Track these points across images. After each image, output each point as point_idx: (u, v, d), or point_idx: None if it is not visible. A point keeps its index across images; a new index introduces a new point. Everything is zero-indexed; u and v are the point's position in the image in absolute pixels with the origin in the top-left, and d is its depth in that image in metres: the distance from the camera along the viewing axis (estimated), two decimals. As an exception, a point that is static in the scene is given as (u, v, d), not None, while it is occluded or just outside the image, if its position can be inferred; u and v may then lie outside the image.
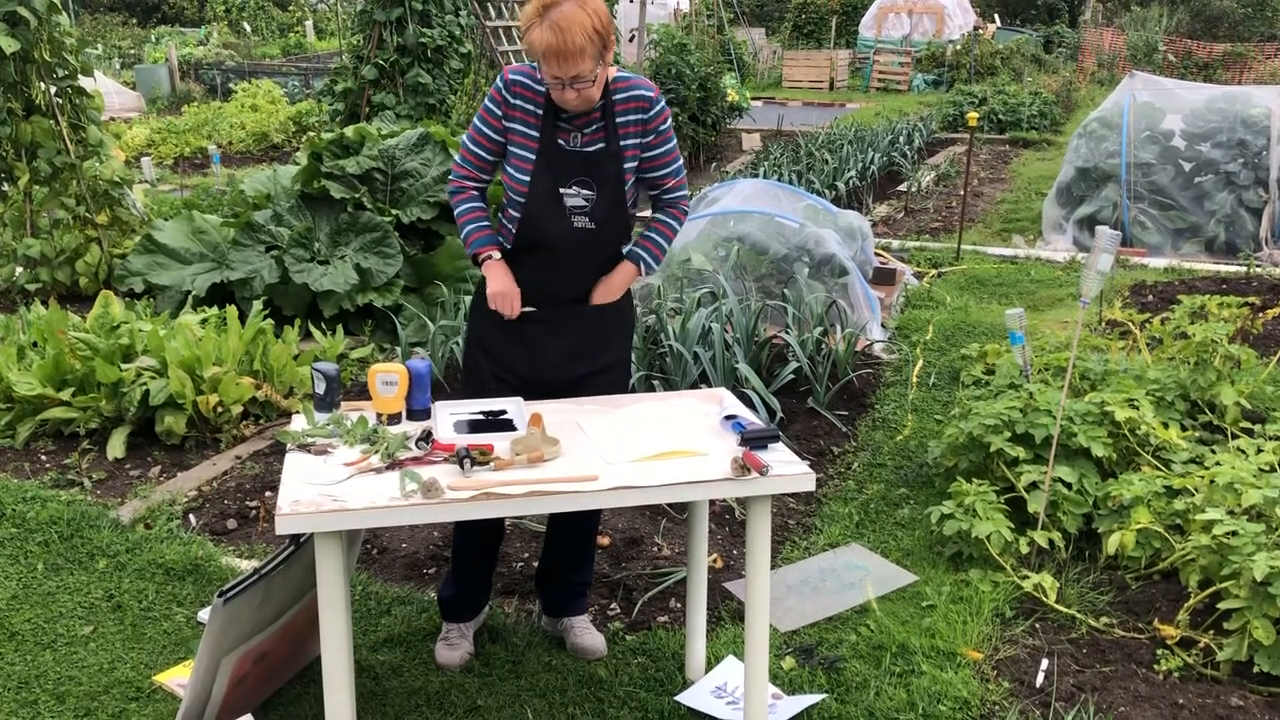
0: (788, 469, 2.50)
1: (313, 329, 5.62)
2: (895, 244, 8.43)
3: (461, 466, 2.42)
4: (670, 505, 4.04)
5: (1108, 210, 8.25)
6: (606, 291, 2.83)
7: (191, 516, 4.04)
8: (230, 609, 2.52)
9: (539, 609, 3.35)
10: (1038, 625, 3.32)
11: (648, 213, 3.00)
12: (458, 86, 10.33)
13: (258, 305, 5.29)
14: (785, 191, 7.11)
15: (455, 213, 2.84)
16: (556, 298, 2.84)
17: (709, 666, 3.09)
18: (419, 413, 2.75)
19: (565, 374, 2.84)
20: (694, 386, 4.89)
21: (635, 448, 2.59)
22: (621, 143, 2.77)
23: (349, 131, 6.72)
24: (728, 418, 2.76)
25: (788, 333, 5.39)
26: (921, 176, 11.04)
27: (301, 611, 2.84)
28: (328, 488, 2.36)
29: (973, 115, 8.07)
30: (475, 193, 2.87)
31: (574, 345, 2.87)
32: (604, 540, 3.83)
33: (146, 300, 5.92)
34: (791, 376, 5.09)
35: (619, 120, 2.77)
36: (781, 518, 4.06)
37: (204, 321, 5.27)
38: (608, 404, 2.87)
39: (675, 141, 2.88)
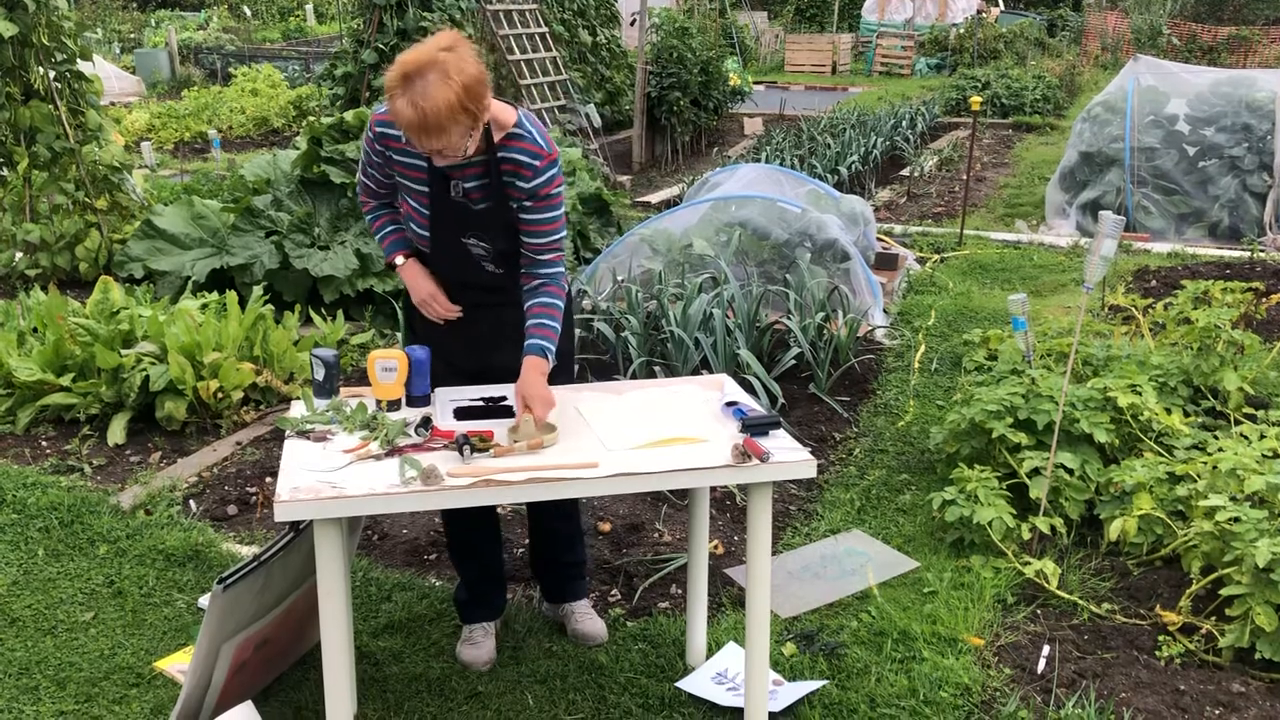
0: (789, 455, 2.50)
1: (313, 314, 5.61)
2: (898, 229, 8.40)
3: (461, 453, 2.42)
4: (671, 492, 4.03)
5: (1111, 195, 8.21)
6: (542, 400, 2.56)
7: (192, 502, 4.04)
8: (230, 595, 2.51)
9: (539, 595, 3.35)
10: (1039, 611, 3.32)
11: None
12: (458, 71, 10.28)
13: (258, 291, 5.28)
14: (787, 176, 7.09)
15: (367, 223, 2.84)
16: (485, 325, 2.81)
17: (710, 653, 3.09)
18: (419, 399, 2.74)
19: (512, 360, 2.77)
20: (695, 373, 4.88)
21: (636, 434, 2.59)
22: (508, 196, 2.67)
23: (349, 116, 6.68)
24: (729, 404, 2.76)
25: (789, 318, 5.38)
26: (924, 161, 11.00)
27: (302, 598, 2.84)
28: (327, 474, 2.35)
29: (976, 99, 8.03)
30: (380, 203, 2.84)
31: (508, 328, 2.80)
32: (605, 526, 3.83)
33: (146, 286, 5.91)
34: (793, 362, 5.08)
35: (504, 178, 2.65)
36: (783, 504, 4.06)
37: (204, 307, 5.26)
38: (608, 390, 2.86)
39: (561, 212, 2.70)
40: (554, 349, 2.69)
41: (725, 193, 6.75)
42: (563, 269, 2.78)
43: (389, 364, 2.68)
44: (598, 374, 5.01)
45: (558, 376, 2.84)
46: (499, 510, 3.42)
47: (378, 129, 2.68)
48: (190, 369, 4.60)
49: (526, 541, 3.71)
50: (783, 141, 11.14)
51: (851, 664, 3.04)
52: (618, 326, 5.23)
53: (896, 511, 3.99)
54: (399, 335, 5.49)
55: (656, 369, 4.94)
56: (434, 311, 2.77)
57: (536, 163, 2.65)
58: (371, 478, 2.35)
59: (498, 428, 2.57)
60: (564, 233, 2.76)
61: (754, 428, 2.59)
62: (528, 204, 2.69)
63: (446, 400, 2.74)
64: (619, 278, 5.72)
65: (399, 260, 2.82)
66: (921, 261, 7.50)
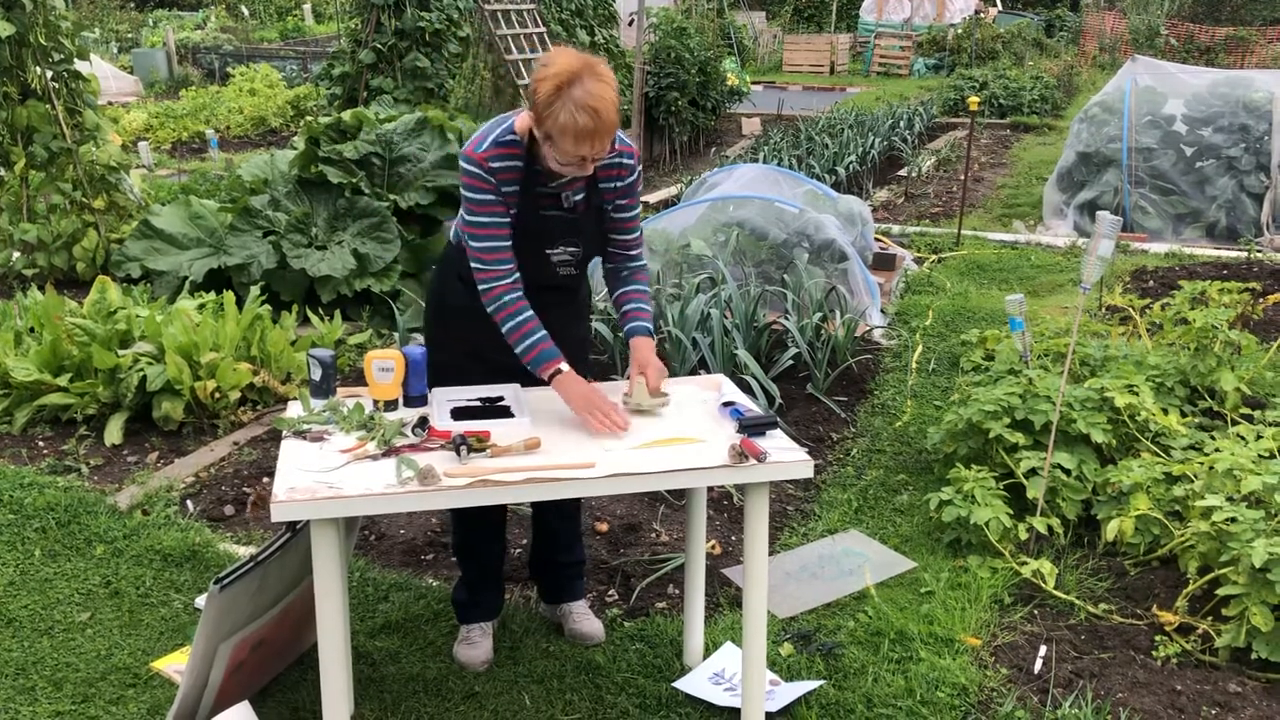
0: (786, 456, 2.50)
1: (310, 314, 5.61)
2: (895, 229, 8.41)
3: (458, 453, 2.42)
4: (669, 492, 4.03)
5: (1109, 195, 8.22)
6: (657, 369, 2.76)
7: (189, 503, 4.03)
8: (227, 596, 2.51)
9: (537, 595, 3.35)
10: (1036, 612, 3.33)
11: None
12: (456, 70, 10.28)
13: (255, 291, 5.28)
14: (785, 176, 7.09)
15: (506, 328, 2.69)
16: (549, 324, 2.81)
17: (707, 653, 3.09)
18: (416, 399, 2.74)
19: (563, 346, 2.81)
20: (693, 373, 4.88)
21: (633, 434, 2.59)
22: (604, 200, 2.79)
23: (346, 116, 6.68)
24: (726, 404, 2.76)
25: (787, 318, 5.38)
26: (922, 161, 11.00)
27: (298, 598, 2.84)
28: (324, 475, 2.35)
29: (974, 100, 8.04)
30: (514, 294, 2.68)
31: (563, 324, 2.84)
32: (602, 526, 3.83)
33: (144, 286, 5.91)
34: (791, 362, 5.08)
35: (601, 186, 2.76)
36: (780, 504, 4.06)
37: (201, 307, 5.26)
38: (605, 390, 2.86)
39: (640, 205, 2.87)
40: (653, 329, 2.85)
41: (723, 193, 6.75)
42: (646, 259, 2.94)
43: (386, 364, 2.68)
44: (595, 374, 5.00)
45: (579, 365, 2.91)
46: (509, 509, 3.43)
47: (493, 164, 2.62)
48: (187, 369, 4.60)
49: (525, 542, 3.72)
50: (780, 142, 11.15)
51: (849, 664, 3.04)
52: (615, 327, 5.23)
53: (894, 512, 3.99)
54: (396, 335, 5.49)
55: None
56: (606, 424, 2.58)
57: (630, 161, 2.77)
58: (368, 478, 2.35)
59: (495, 428, 2.57)
60: (642, 224, 2.92)
61: (751, 428, 2.59)
62: (622, 202, 2.80)
63: (444, 400, 2.75)
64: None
65: (564, 367, 2.68)
66: (919, 262, 7.51)
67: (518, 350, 2.70)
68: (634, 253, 2.89)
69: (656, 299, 5.36)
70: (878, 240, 7.43)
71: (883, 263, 7.00)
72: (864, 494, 4.12)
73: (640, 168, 2.83)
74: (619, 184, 2.77)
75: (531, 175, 2.67)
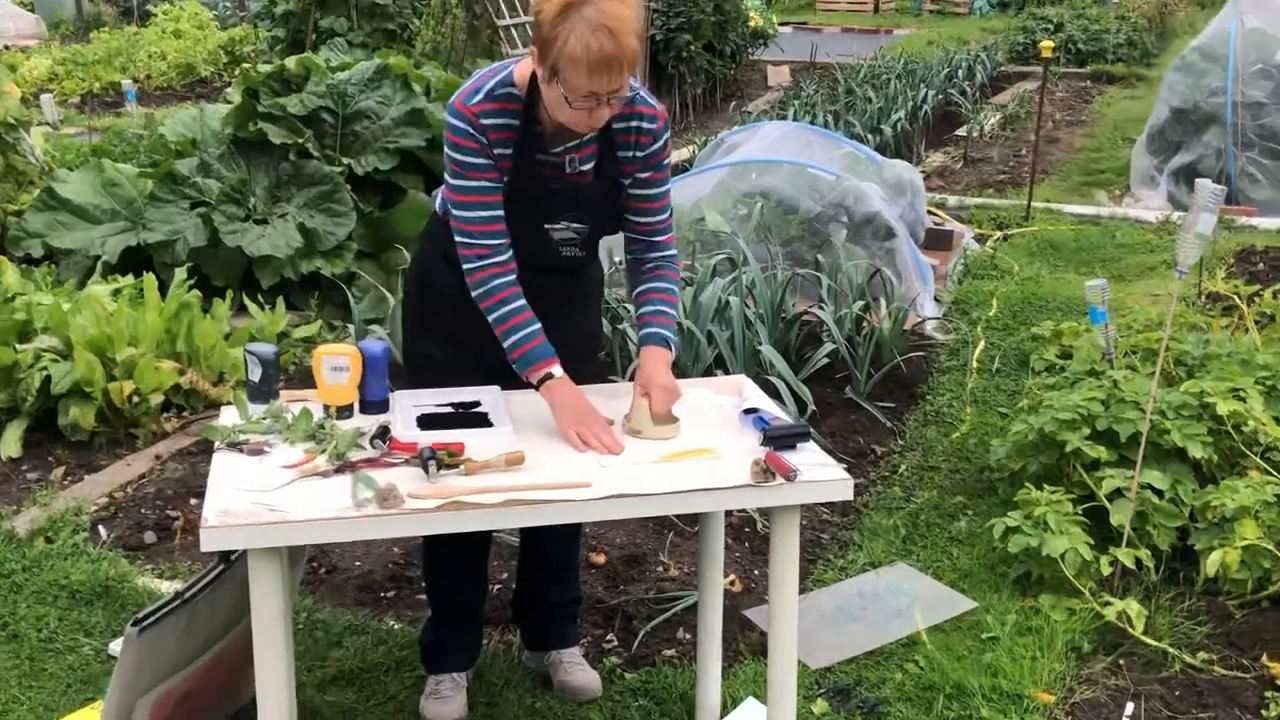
0: (820, 473, 2.50)
1: (248, 302, 5.61)
2: (952, 200, 8.40)
3: (426, 470, 2.42)
4: (678, 517, 4.04)
5: (1210, 160, 8.21)
6: (664, 388, 2.69)
7: (101, 528, 4.04)
8: (147, 640, 2.52)
9: (520, 640, 3.35)
10: (1122, 662, 3.33)
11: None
12: (422, 9, 10.29)
13: (181, 274, 5.28)
14: (819, 137, 7.09)
15: (493, 317, 2.70)
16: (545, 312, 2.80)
17: (724, 710, 3.09)
18: (375, 404, 2.74)
19: (563, 340, 2.81)
20: (708, 373, 4.89)
21: (636, 447, 2.59)
22: (621, 173, 2.77)
23: (291, 63, 6.69)
24: (748, 411, 2.76)
25: (821, 308, 5.38)
26: (984, 119, 11.00)
27: (234, 643, 2.84)
28: (264, 495, 2.36)
29: (1047, 44, 8.03)
30: (506, 279, 2.69)
31: (565, 313, 2.86)
32: (599, 558, 3.83)
33: (47, 267, 5.92)
34: (826, 361, 5.09)
35: (620, 153, 2.74)
36: (813, 531, 4.06)
37: (117, 293, 5.26)
38: (602, 394, 2.86)
39: (670, 179, 2.85)
40: (675, 338, 2.82)
41: (745, 156, 6.75)
42: (676, 249, 2.91)
43: (339, 362, 2.68)
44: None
45: (585, 364, 2.92)
46: (493, 537, 3.44)
47: (485, 120, 2.62)
48: (100, 368, 4.60)
49: (506, 576, 3.72)
50: (814, 95, 11.15)
51: (895, 724, 3.05)
52: (615, 318, 5.24)
53: (950, 541, 3.99)
54: (351, 328, 5.49)
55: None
56: (593, 445, 2.58)
57: (654, 125, 2.74)
58: (318, 499, 2.35)
59: (471, 439, 2.57)
60: (672, 208, 2.88)
61: (778, 440, 2.59)
62: (644, 176, 2.78)
63: (409, 406, 2.75)
64: (616, 259, 5.73)
65: (556, 370, 2.69)
66: (981, 240, 7.51)
67: (505, 345, 2.71)
68: (659, 240, 2.86)
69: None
70: (931, 214, 7.43)
71: (937, 241, 6.99)
72: (914, 519, 4.12)
73: (668, 134, 2.79)
74: (639, 153, 2.74)
75: (530, 136, 2.67)
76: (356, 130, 6.59)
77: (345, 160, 6.42)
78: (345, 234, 6.13)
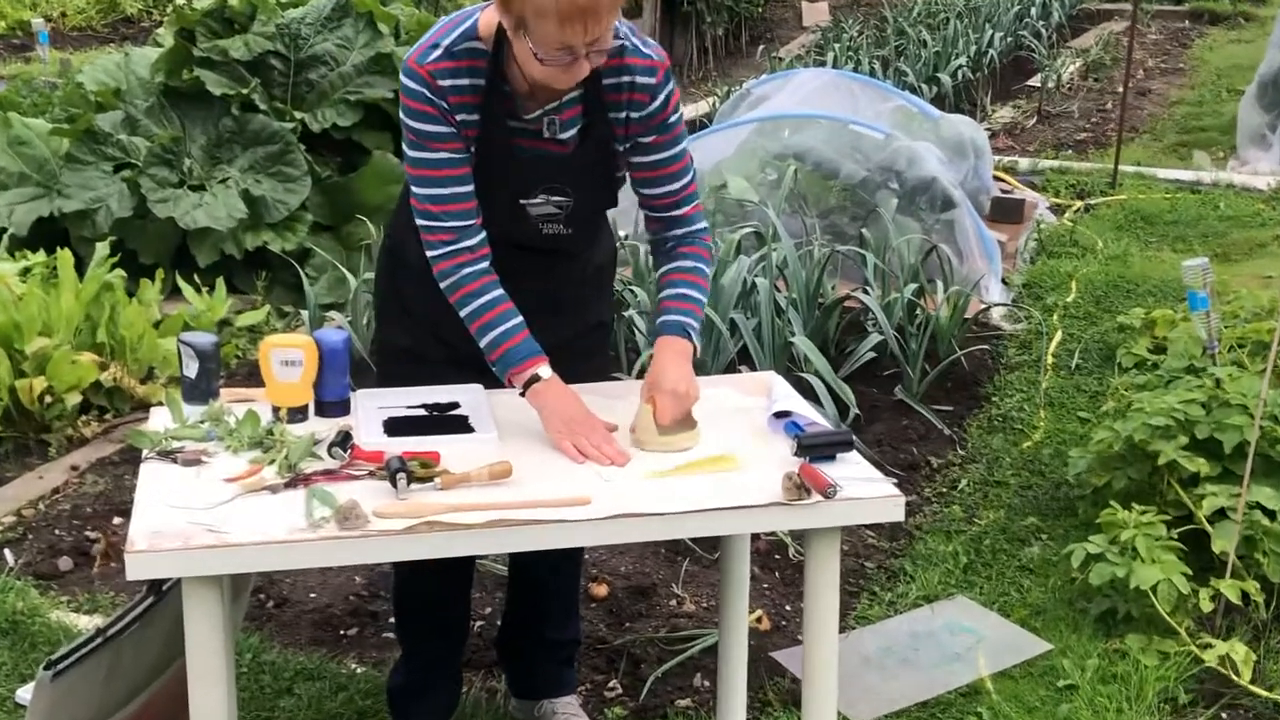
0: (865, 489, 2.50)
1: (181, 284, 5.62)
2: (1023, 164, 8.39)
3: (394, 484, 2.42)
4: (694, 541, 4.04)
5: (1333, 115, 8.18)
6: (673, 392, 2.65)
7: (8, 552, 4.05)
8: (62, 686, 2.52)
9: (506, 687, 3.36)
10: (1225, 715, 3.32)
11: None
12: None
13: (103, 249, 5.28)
14: (864, 87, 7.08)
15: (465, 312, 2.71)
16: (526, 302, 2.80)
17: (750, 772, 3.09)
18: (333, 405, 2.74)
19: (548, 337, 2.81)
20: (730, 369, 4.89)
21: (644, 458, 2.60)
22: (614, 134, 2.75)
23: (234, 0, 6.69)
24: (779, 415, 2.76)
25: (866, 292, 5.37)
26: (1062, 66, 10.97)
27: (164, 690, 2.85)
28: (201, 513, 2.36)
29: (1137, -23, 8.00)
30: (478, 266, 2.71)
31: (548, 299, 2.86)
32: (599, 590, 3.84)
33: (-57, 242, 5.93)
34: (871, 355, 5.08)
35: (612, 115, 2.72)
36: (856, 559, 4.06)
37: (25, 272, 5.27)
38: (606, 394, 2.86)
39: (685, 137, 2.84)
40: (698, 328, 2.81)
41: (775, 110, 6.74)
42: (705, 222, 2.91)
43: (291, 355, 2.68)
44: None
45: (585, 362, 2.93)
46: (476, 564, 3.44)
47: (444, 81, 2.61)
48: (5, 362, 4.61)
49: (489, 610, 3.73)
50: (858, 37, 11.14)
51: (954, 789, 3.05)
52: (620, 303, 5.24)
53: (1019, 570, 3.99)
54: (305, 314, 5.50)
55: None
56: (591, 455, 2.59)
57: (652, 79, 2.72)
58: (265, 518, 2.35)
59: (448, 447, 2.57)
60: (694, 170, 2.87)
61: (815, 449, 2.59)
62: (647, 140, 2.76)
63: (374, 408, 2.75)
64: (621, 233, 5.73)
65: (543, 371, 2.69)
66: (1058, 211, 7.49)
67: (482, 345, 2.71)
68: (679, 213, 2.84)
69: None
70: (998, 179, 7.41)
71: (1005, 212, 6.98)
72: (977, 545, 4.12)
73: (673, 86, 2.77)
74: (635, 114, 2.73)
75: (498, 98, 2.66)
76: (312, 79, 6.60)
77: (298, 115, 6.43)
78: (298, 203, 6.13)
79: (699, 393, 2.70)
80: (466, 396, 2.79)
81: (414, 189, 2.70)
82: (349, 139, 6.55)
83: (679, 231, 2.86)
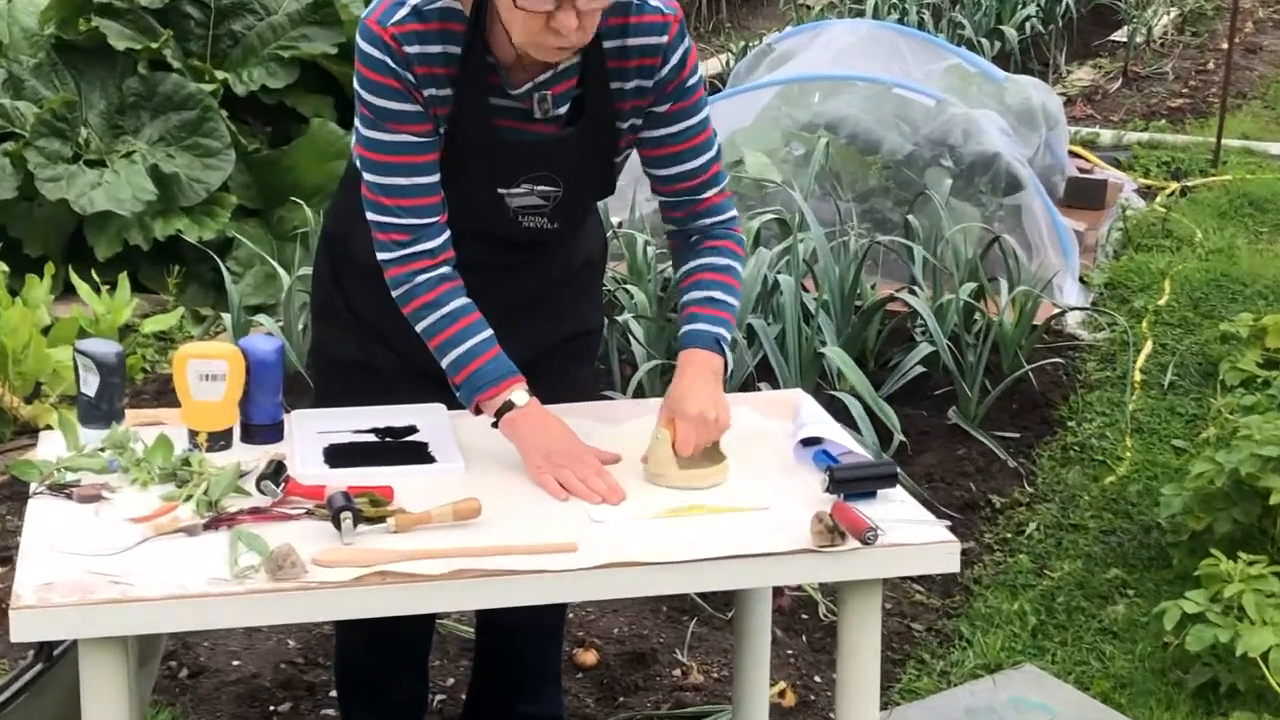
0: (911, 533, 2.50)
1: (76, 280, 5.61)
2: (1106, 136, 8.40)
3: (337, 525, 2.43)
4: (703, 597, 4.04)
5: None
6: (700, 418, 2.65)
7: None
8: (-69, 772, 2.52)
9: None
10: (1351, 811, 3.33)
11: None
12: None
13: (-20, 238, 5.29)
14: (910, 42, 7.08)
15: (424, 326, 2.71)
16: (492, 305, 2.81)
17: None
18: (263, 429, 2.75)
19: (524, 346, 2.83)
20: (748, 386, 4.89)
21: (642, 495, 2.61)
22: (615, 109, 2.75)
23: (142, -68, 6.70)
24: (807, 442, 2.77)
25: (914, 292, 5.37)
26: (1153, 17, 10.99)
27: (56, 777, 2.85)
28: (102, 561, 2.36)
29: (1245, -92, 8.02)
30: (437, 272, 2.71)
31: (523, 303, 2.88)
32: (587, 657, 3.84)
33: None
34: (919, 369, 5.08)
35: (613, 84, 2.72)
36: (900, 619, 4.07)
37: (-115, 266, 5.27)
38: (596, 417, 2.86)
39: (707, 103, 2.84)
40: (729, 337, 2.79)
41: (803, 71, 6.74)
42: (735, 210, 2.92)
43: (211, 368, 2.68)
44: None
45: (569, 377, 2.96)
46: (436, 624, 3.44)
47: (410, 48, 2.61)
48: None
49: (452, 683, 3.72)
50: (904, -19, 11.15)
51: None
52: (612, 305, 5.25)
53: (1100, 634, 4.00)
54: (228, 318, 5.50)
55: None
56: (580, 492, 2.60)
57: (662, 37, 2.71)
58: (179, 567, 2.35)
59: (403, 480, 2.58)
60: (719, 144, 2.87)
61: (851, 484, 2.59)
62: (661, 109, 2.76)
63: (313, 432, 2.75)
64: (616, 220, 5.74)
65: (518, 396, 2.70)
66: (1148, 194, 7.50)
67: (444, 365, 2.72)
68: (703, 199, 2.85)
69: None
70: (1074, 155, 7.42)
71: (1084, 195, 6.99)
72: (1048, 602, 4.12)
73: (689, 44, 2.77)
74: (645, 82, 2.73)
75: (478, 71, 2.66)
76: (236, 31, 6.61)
77: (220, 74, 6.43)
78: (219, 182, 6.14)
79: (729, 419, 2.70)
80: (426, 418, 2.80)
81: (365, 176, 2.70)
82: (281, 104, 6.56)
83: (705, 221, 2.86)
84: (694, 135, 2.81)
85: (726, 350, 2.76)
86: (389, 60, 2.60)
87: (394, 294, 2.72)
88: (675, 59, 2.73)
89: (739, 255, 2.87)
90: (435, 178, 2.68)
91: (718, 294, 2.80)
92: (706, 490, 2.63)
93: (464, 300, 2.70)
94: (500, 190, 2.75)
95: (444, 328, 2.69)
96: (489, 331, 2.70)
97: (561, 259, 2.94)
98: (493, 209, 2.77)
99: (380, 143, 2.66)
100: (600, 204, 3.10)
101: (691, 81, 2.77)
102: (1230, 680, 3.62)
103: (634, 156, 2.88)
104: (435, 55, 2.62)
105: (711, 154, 2.84)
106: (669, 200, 2.86)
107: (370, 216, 2.70)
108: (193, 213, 6.10)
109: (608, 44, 2.67)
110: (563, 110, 2.72)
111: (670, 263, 3.61)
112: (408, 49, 2.60)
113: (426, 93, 2.63)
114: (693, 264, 2.84)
